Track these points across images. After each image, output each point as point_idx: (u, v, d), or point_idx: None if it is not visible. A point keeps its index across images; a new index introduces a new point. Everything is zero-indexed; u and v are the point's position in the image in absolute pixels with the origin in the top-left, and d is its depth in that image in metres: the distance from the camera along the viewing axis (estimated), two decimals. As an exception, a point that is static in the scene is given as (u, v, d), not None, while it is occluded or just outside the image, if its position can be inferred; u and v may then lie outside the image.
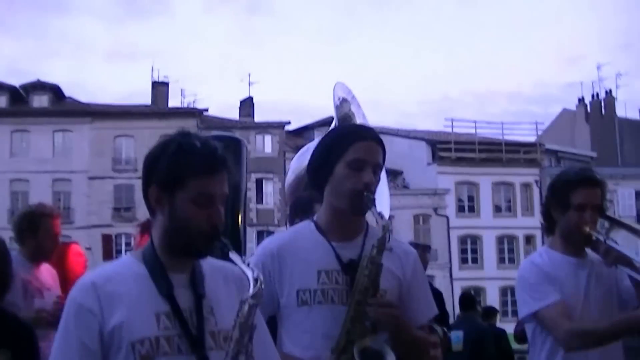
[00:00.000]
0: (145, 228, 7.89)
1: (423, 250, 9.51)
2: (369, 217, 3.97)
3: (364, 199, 3.80)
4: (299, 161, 7.84)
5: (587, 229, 4.61)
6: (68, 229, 56.22)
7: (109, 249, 52.19)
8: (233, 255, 3.15)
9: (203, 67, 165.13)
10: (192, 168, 3.13)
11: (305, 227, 4.13)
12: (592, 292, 4.69)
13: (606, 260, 4.62)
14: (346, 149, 3.88)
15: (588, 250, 4.79)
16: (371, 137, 3.97)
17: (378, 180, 3.97)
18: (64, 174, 59.95)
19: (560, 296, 4.56)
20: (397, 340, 3.84)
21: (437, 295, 9.08)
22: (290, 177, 8.01)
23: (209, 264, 3.36)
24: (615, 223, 5.02)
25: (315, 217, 4.16)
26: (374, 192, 3.88)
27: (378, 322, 3.71)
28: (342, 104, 7.49)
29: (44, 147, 60.30)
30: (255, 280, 3.05)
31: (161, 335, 3.11)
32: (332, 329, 3.78)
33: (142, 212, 55.58)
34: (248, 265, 3.13)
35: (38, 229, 6.78)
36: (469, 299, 15.64)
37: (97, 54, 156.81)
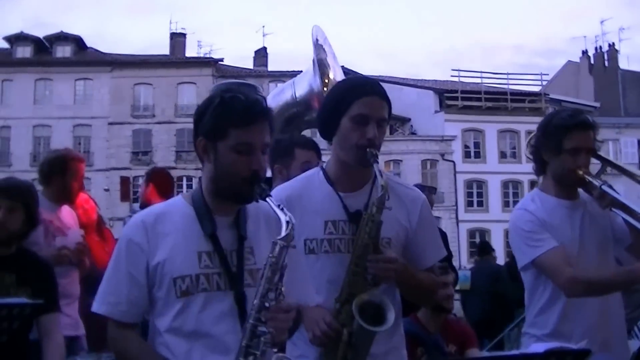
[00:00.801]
0: (150, 178, 8.57)
1: (429, 191, 9.67)
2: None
3: (367, 154, 3.85)
4: (274, 102, 8.36)
5: (581, 172, 4.54)
6: (88, 171, 56.48)
7: (126, 190, 51.86)
8: (270, 200, 3.32)
9: (219, 19, 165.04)
10: (232, 118, 3.32)
11: (315, 175, 4.20)
12: (588, 233, 4.62)
13: (601, 203, 4.55)
14: (350, 104, 3.90)
15: (580, 191, 4.73)
16: (375, 92, 3.97)
17: (383, 133, 3.99)
18: (84, 120, 60.88)
19: (557, 242, 4.48)
20: (402, 285, 4.00)
21: (442, 236, 10.14)
22: None
23: (255, 207, 3.54)
24: (607, 163, 5.05)
25: (325, 166, 4.21)
26: (378, 147, 3.91)
27: (378, 276, 3.79)
28: (319, 49, 8.16)
29: (66, 95, 61.39)
30: (287, 223, 3.22)
31: (201, 272, 3.33)
32: (338, 277, 3.89)
33: (159, 156, 56.87)
34: (282, 209, 3.28)
35: (66, 171, 6.89)
36: (486, 245, 17.28)
37: (117, 7, 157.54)
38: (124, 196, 50.59)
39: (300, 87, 8.45)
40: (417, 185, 8.57)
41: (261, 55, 66.86)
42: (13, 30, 67.00)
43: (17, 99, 61.04)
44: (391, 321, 3.74)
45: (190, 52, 67.15)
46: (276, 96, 8.82)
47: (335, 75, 8.00)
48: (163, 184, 8.47)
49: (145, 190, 8.49)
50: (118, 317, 3.39)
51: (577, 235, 4.59)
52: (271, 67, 65.44)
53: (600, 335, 4.46)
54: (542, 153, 4.71)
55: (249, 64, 66.73)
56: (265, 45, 67.32)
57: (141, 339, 3.46)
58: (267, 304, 3.14)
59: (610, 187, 4.52)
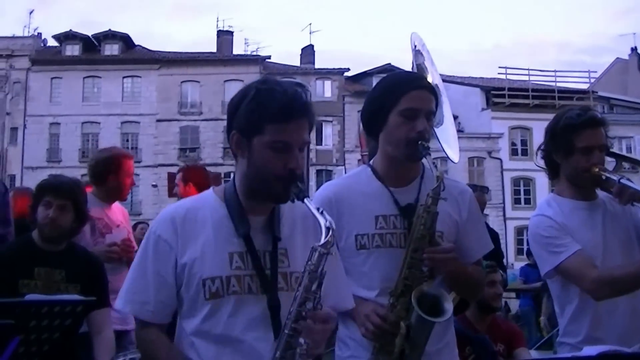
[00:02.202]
0: (188, 177, 8.64)
1: (482, 191, 10.08)
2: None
3: (418, 147, 3.80)
4: None
5: (597, 169, 4.38)
6: (136, 167, 57.43)
7: (173, 186, 52.52)
8: (308, 201, 3.17)
9: (266, 16, 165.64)
10: (268, 113, 3.15)
11: (362, 172, 4.16)
12: (610, 234, 4.44)
13: (621, 199, 4.37)
14: (399, 98, 3.86)
15: (598, 191, 4.58)
16: (423, 85, 3.95)
17: (431, 127, 3.95)
18: (132, 117, 61.60)
19: (579, 245, 4.31)
20: (451, 279, 3.95)
21: (493, 236, 9.69)
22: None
23: (290, 207, 3.39)
24: (622, 158, 5.02)
25: (371, 162, 4.16)
26: (428, 140, 3.84)
27: (434, 268, 3.78)
28: (417, 55, 7.91)
29: (114, 92, 61.95)
30: (327, 229, 3.05)
31: (232, 274, 3.20)
32: (391, 271, 3.83)
33: (206, 153, 57.28)
34: (322, 213, 3.12)
35: (120, 170, 6.99)
36: None
37: (165, 5, 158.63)
38: (171, 192, 50.82)
39: None
40: (470, 185, 8.52)
41: (308, 52, 66.92)
42: (62, 29, 67.44)
43: (66, 96, 61.73)
44: (449, 312, 3.72)
45: (237, 49, 67.36)
46: None
47: (434, 78, 7.81)
48: (202, 181, 8.39)
49: (185, 189, 8.43)
50: (145, 317, 3.30)
51: (600, 237, 4.42)
52: (318, 64, 65.47)
53: (637, 338, 4.22)
54: (553, 156, 4.55)
55: (296, 62, 66.77)
56: (312, 43, 67.55)
57: (169, 341, 3.34)
58: (304, 313, 3.01)
59: (629, 180, 4.36)
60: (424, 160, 3.95)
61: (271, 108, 3.15)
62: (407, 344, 3.69)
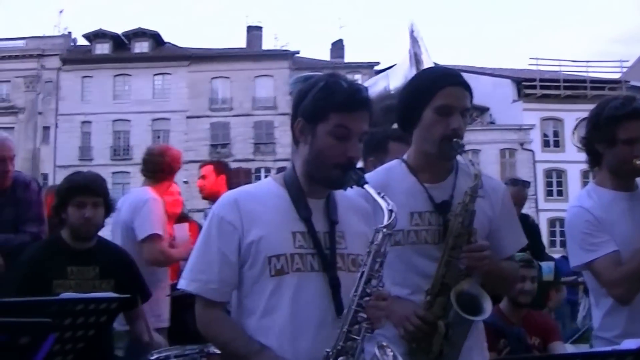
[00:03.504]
0: (222, 170, 8.55)
1: (522, 185, 9.66)
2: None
3: (452, 145, 3.78)
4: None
5: (639, 161, 4.25)
6: (168, 164, 58.47)
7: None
8: (368, 187, 3.27)
9: (295, 11, 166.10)
10: (334, 102, 3.27)
11: (397, 167, 4.11)
12: None
13: None
14: (433, 95, 3.84)
15: (638, 180, 4.49)
16: (458, 81, 3.90)
17: (466, 124, 3.92)
18: (163, 114, 61.98)
19: (614, 247, 4.22)
20: (486, 274, 3.87)
21: (534, 229, 9.87)
22: None
23: (340, 194, 3.53)
24: None
25: (405, 157, 4.12)
26: (462, 137, 3.83)
27: (472, 266, 3.74)
28: (414, 43, 8.13)
29: (144, 90, 62.53)
30: (390, 211, 3.20)
31: (296, 252, 3.30)
32: (425, 268, 3.84)
33: (237, 148, 57.35)
34: (383, 197, 3.26)
35: (176, 172, 7.40)
36: None
37: (194, 2, 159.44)
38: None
39: (395, 79, 8.40)
40: (512, 180, 8.93)
41: (338, 47, 67.18)
42: (92, 27, 67.88)
43: (97, 94, 62.26)
44: (488, 311, 3.71)
45: (267, 45, 67.65)
46: (369, 88, 8.61)
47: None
48: (232, 177, 8.38)
49: (217, 180, 8.34)
50: (209, 295, 3.35)
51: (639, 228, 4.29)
52: (348, 58, 65.55)
53: None
54: (594, 145, 4.42)
55: (326, 56, 66.68)
56: (342, 37, 67.20)
57: (232, 320, 3.43)
58: (369, 291, 3.12)
59: None
60: (458, 157, 3.91)
61: (337, 98, 3.28)
62: (446, 342, 3.69)
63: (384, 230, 3.18)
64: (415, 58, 8.07)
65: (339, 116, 3.27)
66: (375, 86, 8.81)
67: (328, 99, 3.29)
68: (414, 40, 8.16)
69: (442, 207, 3.89)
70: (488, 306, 3.71)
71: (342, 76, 3.44)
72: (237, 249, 3.32)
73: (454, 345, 3.72)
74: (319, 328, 3.26)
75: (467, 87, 3.90)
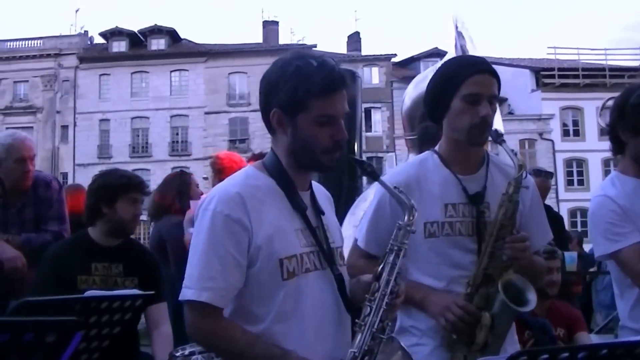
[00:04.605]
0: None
1: (546, 176, 9.63)
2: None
3: (482, 132, 3.78)
4: (417, 89, 8.21)
5: None
6: (186, 160, 58.31)
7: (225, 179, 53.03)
8: (384, 182, 3.29)
9: (311, 5, 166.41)
10: (312, 90, 3.10)
11: (429, 158, 4.06)
12: None
13: None
14: (461, 83, 3.81)
15: None
16: (485, 69, 3.85)
17: (494, 111, 3.89)
18: (181, 110, 62.18)
19: (639, 237, 4.13)
20: (521, 268, 3.82)
21: (558, 220, 9.83)
22: (407, 104, 8.36)
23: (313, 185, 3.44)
24: None
25: (437, 148, 4.10)
26: (491, 124, 3.82)
27: (514, 258, 3.71)
28: (459, 37, 8.14)
29: (162, 87, 62.72)
30: (411, 207, 3.18)
31: (303, 252, 3.17)
32: (459, 259, 3.81)
33: (256, 143, 57.44)
34: (401, 192, 3.25)
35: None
36: None
37: None
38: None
39: None
40: (535, 170, 8.81)
41: (354, 39, 67.11)
42: (108, 25, 68.39)
43: (114, 92, 62.60)
44: (534, 302, 3.66)
45: (283, 39, 67.94)
46: (418, 83, 8.56)
47: None
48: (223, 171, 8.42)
49: (214, 180, 8.25)
50: (219, 303, 3.07)
51: None
52: (365, 51, 65.54)
53: None
54: (619, 133, 4.30)
55: (342, 49, 66.68)
56: (358, 30, 67.20)
57: (241, 326, 3.11)
58: (395, 289, 3.08)
59: None
60: (498, 148, 3.92)
61: (314, 84, 3.10)
62: (491, 334, 3.64)
63: (406, 226, 3.15)
64: (462, 50, 8.03)
65: (320, 103, 3.12)
66: (426, 80, 8.54)
67: (304, 87, 3.10)
68: (459, 33, 8.12)
69: (476, 199, 3.86)
70: (533, 297, 3.66)
71: (311, 56, 3.23)
72: (247, 250, 3.09)
73: (498, 336, 3.68)
74: (335, 327, 3.20)
75: (494, 74, 3.86)
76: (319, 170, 3.33)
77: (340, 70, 3.23)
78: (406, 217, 3.15)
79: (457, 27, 8.19)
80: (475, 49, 8.23)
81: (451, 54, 8.24)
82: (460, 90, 3.79)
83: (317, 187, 3.47)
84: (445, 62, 4.22)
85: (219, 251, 3.06)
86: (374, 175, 3.25)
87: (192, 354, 4.48)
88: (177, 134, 61.73)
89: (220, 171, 7.56)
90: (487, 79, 3.82)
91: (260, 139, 58.33)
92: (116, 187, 5.18)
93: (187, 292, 3.07)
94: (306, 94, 3.10)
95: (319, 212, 3.32)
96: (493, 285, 3.67)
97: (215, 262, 3.06)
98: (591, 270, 14.15)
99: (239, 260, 3.07)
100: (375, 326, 3.04)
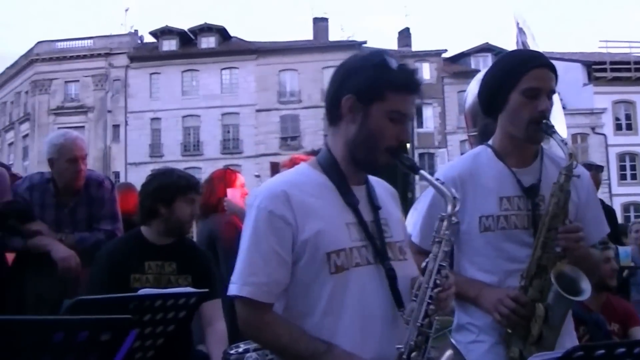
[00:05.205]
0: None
1: (597, 170, 9.53)
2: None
3: (542, 127, 3.72)
4: (479, 86, 8.91)
5: None
6: (238, 158, 58.78)
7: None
8: (425, 174, 3.18)
9: (361, 2, 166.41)
10: (394, 83, 3.10)
11: (482, 152, 4.05)
12: None
13: None
14: (520, 77, 3.79)
15: None
16: (544, 63, 3.83)
17: (551, 105, 3.86)
18: (232, 108, 62.57)
19: None
20: (577, 260, 3.78)
21: (610, 213, 9.49)
22: (470, 101, 8.23)
23: (374, 180, 3.42)
24: None
25: (491, 142, 4.07)
26: (549, 119, 3.77)
27: (568, 248, 3.67)
28: (521, 33, 8.14)
29: (212, 85, 63.20)
30: (454, 198, 3.10)
31: (353, 246, 3.13)
32: (515, 253, 3.79)
33: (307, 140, 57.72)
34: (443, 184, 3.19)
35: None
36: None
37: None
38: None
39: None
40: (585, 164, 8.22)
41: (404, 35, 67.05)
42: (158, 24, 68.92)
43: (165, 91, 63.19)
44: (588, 291, 3.61)
45: (333, 36, 67.90)
46: (480, 80, 8.67)
47: None
48: None
49: None
50: (262, 298, 3.08)
51: None
52: (415, 47, 65.16)
53: None
54: None
55: (393, 45, 66.36)
56: (408, 26, 67.16)
57: (287, 320, 3.14)
58: (438, 282, 3.02)
59: None
60: (549, 139, 3.80)
61: (396, 78, 3.10)
62: (545, 326, 3.59)
63: (450, 217, 3.08)
64: (523, 46, 7.97)
65: (397, 97, 3.11)
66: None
67: (387, 78, 3.10)
68: (520, 29, 8.09)
69: (531, 192, 3.83)
70: (587, 287, 3.61)
71: (393, 55, 3.24)
72: (291, 246, 3.09)
73: (553, 328, 3.63)
74: (384, 323, 3.13)
75: (553, 68, 3.82)
76: (370, 167, 3.29)
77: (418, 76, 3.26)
78: (449, 208, 3.08)
79: (518, 24, 8.16)
80: (537, 46, 8.19)
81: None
82: (519, 85, 3.76)
83: (377, 182, 3.43)
84: (502, 56, 4.21)
85: (262, 247, 3.09)
86: (414, 169, 3.18)
87: (246, 351, 4.49)
88: (228, 132, 62.20)
89: None
90: (546, 74, 3.78)
91: (312, 136, 58.57)
92: (175, 188, 5.22)
93: (232, 287, 3.12)
94: (387, 84, 3.10)
95: (375, 206, 3.27)
96: (547, 275, 3.63)
97: (257, 258, 3.09)
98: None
99: (283, 256, 3.09)
100: (421, 321, 3.00)
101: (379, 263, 3.16)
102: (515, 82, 3.77)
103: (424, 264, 3.08)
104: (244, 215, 6.26)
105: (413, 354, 2.99)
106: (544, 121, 3.70)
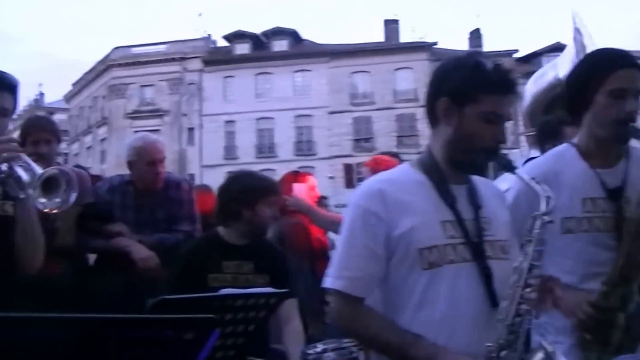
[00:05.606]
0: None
1: None
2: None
3: (628, 128, 3.65)
4: (537, 85, 8.55)
5: None
6: (312, 160, 58.84)
7: (350, 177, 53.16)
8: (521, 173, 3.25)
9: (431, 3, 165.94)
10: (487, 85, 3.14)
11: (566, 152, 3.98)
12: None
13: None
14: (606, 77, 3.68)
15: None
16: (631, 63, 3.74)
17: (638, 105, 3.76)
18: (305, 111, 62.81)
19: None
20: None
21: None
22: (527, 101, 8.51)
23: (477, 179, 3.41)
24: None
25: (576, 141, 3.98)
26: (636, 120, 3.71)
27: None
28: (577, 33, 8.13)
29: (285, 87, 63.43)
30: (547, 197, 3.12)
31: (448, 243, 3.17)
32: (596, 257, 3.70)
33: (380, 142, 57.63)
34: (538, 182, 3.19)
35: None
36: None
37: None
38: (349, 183, 51.79)
39: (563, 68, 8.28)
40: None
41: (475, 36, 66.96)
42: (230, 28, 69.57)
43: (239, 94, 63.76)
44: None
45: (404, 37, 67.88)
46: (538, 79, 8.69)
47: None
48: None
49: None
50: (354, 292, 3.20)
51: None
52: (486, 47, 64.70)
53: None
54: None
55: (464, 46, 66.16)
56: (479, 26, 66.88)
57: (378, 312, 3.25)
58: (530, 281, 3.02)
59: None
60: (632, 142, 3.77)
61: (489, 79, 3.15)
62: (626, 337, 3.51)
63: (544, 217, 3.08)
64: (581, 46, 7.97)
65: (491, 99, 3.15)
66: (545, 76, 8.86)
67: (480, 80, 3.15)
68: (577, 29, 8.05)
69: (615, 194, 3.73)
70: None
71: (487, 57, 3.32)
72: (384, 242, 3.18)
73: (633, 339, 3.52)
74: (475, 321, 3.14)
75: (639, 68, 3.72)
76: (469, 169, 3.33)
77: (513, 77, 3.27)
78: (543, 207, 3.09)
79: (575, 23, 8.08)
80: (595, 46, 8.01)
81: (570, 49, 8.31)
82: (606, 85, 3.66)
83: (484, 182, 3.46)
84: (587, 56, 4.16)
85: (356, 242, 3.21)
86: (511, 168, 3.21)
87: (324, 351, 4.50)
88: (302, 133, 62.59)
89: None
90: (633, 74, 3.69)
91: (384, 138, 58.57)
92: (258, 190, 5.28)
93: (327, 280, 3.25)
94: (480, 87, 3.15)
95: (476, 205, 3.30)
96: (630, 285, 3.52)
97: (352, 252, 3.22)
98: None
99: (376, 251, 3.17)
100: (511, 320, 3.00)
101: (475, 261, 3.19)
102: (601, 82, 3.68)
103: (516, 264, 3.08)
104: (308, 211, 6.75)
105: (503, 353, 2.99)
106: (630, 124, 3.63)
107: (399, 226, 3.16)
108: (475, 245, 3.21)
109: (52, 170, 3.53)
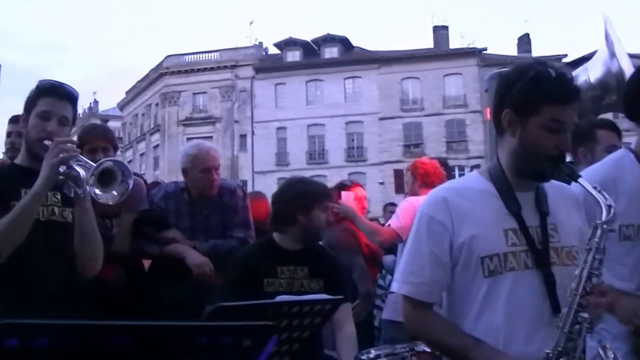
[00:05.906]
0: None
1: None
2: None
3: None
4: None
5: None
6: (362, 166, 59.03)
7: (401, 182, 53.29)
8: (583, 181, 3.20)
9: (480, 8, 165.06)
10: (547, 95, 3.14)
11: (624, 157, 4.01)
12: None
13: None
14: None
15: None
16: None
17: None
18: (355, 117, 62.87)
19: None
20: None
21: None
22: None
23: (549, 184, 3.42)
24: None
25: (633, 147, 3.99)
26: None
27: None
28: (608, 37, 7.97)
29: (336, 94, 63.61)
30: (609, 206, 3.11)
31: (509, 251, 3.20)
32: None
33: (430, 148, 57.45)
34: (600, 191, 3.17)
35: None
36: None
37: (380, 6, 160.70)
38: (399, 188, 51.74)
39: (594, 72, 8.24)
40: None
41: (524, 41, 66.53)
42: (282, 36, 69.92)
43: (290, 101, 64.02)
44: None
45: (454, 43, 67.89)
46: None
47: (622, 61, 7.73)
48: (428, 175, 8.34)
49: (413, 185, 8.13)
50: (420, 297, 3.32)
51: None
52: (535, 52, 64.06)
53: None
54: None
55: (513, 51, 66.02)
56: (527, 31, 66.55)
57: (444, 317, 3.39)
58: (589, 289, 3.02)
59: None
60: None
61: (550, 89, 3.14)
62: None
63: (604, 226, 3.07)
64: (611, 50, 7.88)
65: (552, 109, 3.15)
66: (577, 79, 8.54)
67: (540, 91, 3.15)
68: (607, 33, 7.95)
69: None
70: None
71: (549, 64, 3.27)
72: (449, 249, 3.26)
73: None
74: (535, 327, 3.15)
75: None
76: (535, 177, 3.34)
77: (576, 84, 3.28)
78: (604, 216, 3.07)
79: (606, 27, 8.04)
80: (623, 50, 8.01)
81: (602, 54, 8.20)
82: None
83: (555, 186, 3.46)
84: None
85: (422, 249, 3.31)
86: (573, 175, 3.20)
87: (377, 357, 4.50)
88: (353, 140, 62.64)
89: (423, 175, 7.62)
90: None
91: (434, 144, 58.42)
92: (313, 195, 5.33)
93: (393, 285, 3.44)
94: (541, 98, 3.15)
95: (542, 212, 3.32)
96: None
97: (417, 259, 3.33)
98: None
99: (441, 258, 3.27)
100: (568, 327, 3.00)
101: (537, 268, 3.20)
102: None
103: (576, 271, 3.07)
104: (354, 217, 7.04)
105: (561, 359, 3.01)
106: None
107: (461, 234, 3.23)
108: (539, 253, 3.21)
109: (107, 162, 3.63)
